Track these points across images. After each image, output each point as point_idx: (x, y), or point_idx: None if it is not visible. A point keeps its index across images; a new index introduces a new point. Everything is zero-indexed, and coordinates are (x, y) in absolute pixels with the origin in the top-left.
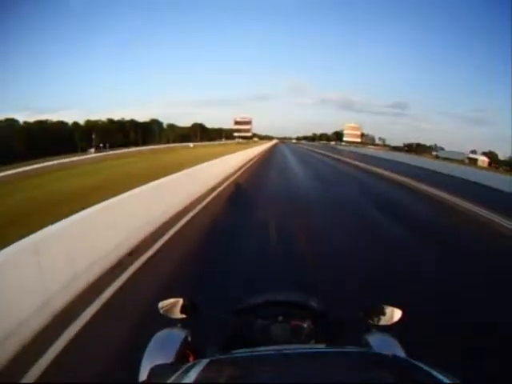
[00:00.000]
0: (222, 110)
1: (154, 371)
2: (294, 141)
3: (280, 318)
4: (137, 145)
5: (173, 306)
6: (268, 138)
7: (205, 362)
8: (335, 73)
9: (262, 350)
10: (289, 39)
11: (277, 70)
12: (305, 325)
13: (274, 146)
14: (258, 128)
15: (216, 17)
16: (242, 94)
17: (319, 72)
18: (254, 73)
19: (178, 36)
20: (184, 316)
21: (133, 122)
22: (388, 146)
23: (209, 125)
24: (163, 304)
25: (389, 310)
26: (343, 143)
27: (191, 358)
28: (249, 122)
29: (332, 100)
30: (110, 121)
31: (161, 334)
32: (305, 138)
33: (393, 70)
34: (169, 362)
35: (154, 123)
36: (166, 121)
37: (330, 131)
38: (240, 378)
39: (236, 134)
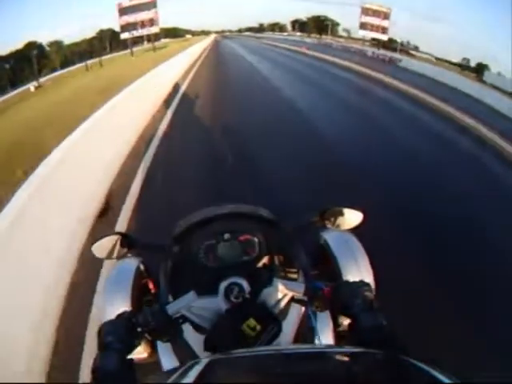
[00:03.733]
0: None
1: (105, 328)
2: (226, 34)
3: (226, 236)
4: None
5: (108, 244)
6: (204, 33)
7: (205, 361)
8: None
9: (262, 349)
10: None
11: None
12: (255, 238)
13: (213, 47)
14: (189, 24)
15: None
16: None
17: None
18: None
19: None
20: (125, 251)
21: None
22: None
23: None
24: (98, 245)
25: (347, 212)
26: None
27: (151, 286)
28: (149, 4)
29: None
30: None
31: (114, 270)
32: (249, 29)
33: None
34: (128, 294)
35: (31, 48)
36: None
37: (280, 20)
38: (240, 378)
39: (126, 36)
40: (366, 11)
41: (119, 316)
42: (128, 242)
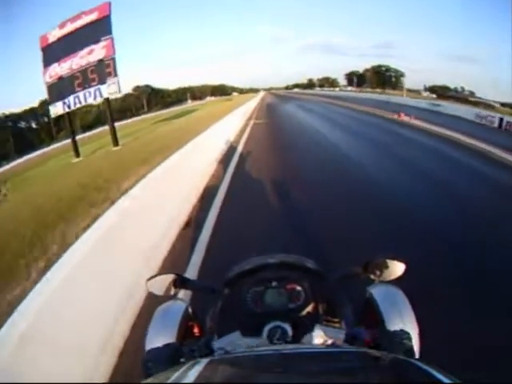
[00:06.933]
0: (188, 71)
1: (149, 355)
2: (281, 92)
3: (274, 283)
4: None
5: (162, 282)
6: (253, 90)
7: (205, 361)
8: (314, 16)
9: (262, 350)
10: None
11: (251, 21)
12: (301, 287)
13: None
14: (239, 82)
15: None
16: (215, 51)
17: (298, 18)
18: (227, 28)
19: None
20: (176, 291)
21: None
22: (410, 90)
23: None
24: (151, 282)
25: (391, 263)
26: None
27: (196, 330)
28: (96, 27)
29: (315, 45)
30: None
31: (161, 309)
32: (296, 85)
33: (375, 6)
34: (172, 335)
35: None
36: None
37: (319, 76)
38: (240, 378)
39: (58, 110)
40: None
41: (166, 345)
42: (181, 282)
